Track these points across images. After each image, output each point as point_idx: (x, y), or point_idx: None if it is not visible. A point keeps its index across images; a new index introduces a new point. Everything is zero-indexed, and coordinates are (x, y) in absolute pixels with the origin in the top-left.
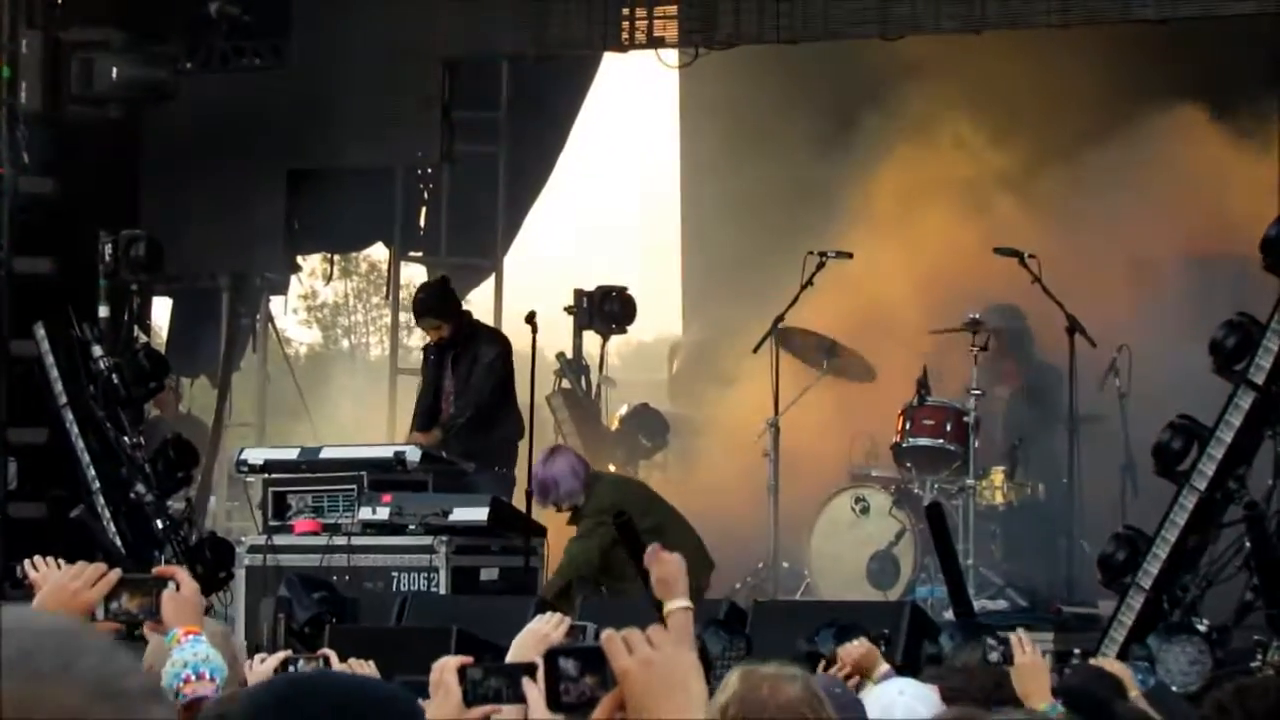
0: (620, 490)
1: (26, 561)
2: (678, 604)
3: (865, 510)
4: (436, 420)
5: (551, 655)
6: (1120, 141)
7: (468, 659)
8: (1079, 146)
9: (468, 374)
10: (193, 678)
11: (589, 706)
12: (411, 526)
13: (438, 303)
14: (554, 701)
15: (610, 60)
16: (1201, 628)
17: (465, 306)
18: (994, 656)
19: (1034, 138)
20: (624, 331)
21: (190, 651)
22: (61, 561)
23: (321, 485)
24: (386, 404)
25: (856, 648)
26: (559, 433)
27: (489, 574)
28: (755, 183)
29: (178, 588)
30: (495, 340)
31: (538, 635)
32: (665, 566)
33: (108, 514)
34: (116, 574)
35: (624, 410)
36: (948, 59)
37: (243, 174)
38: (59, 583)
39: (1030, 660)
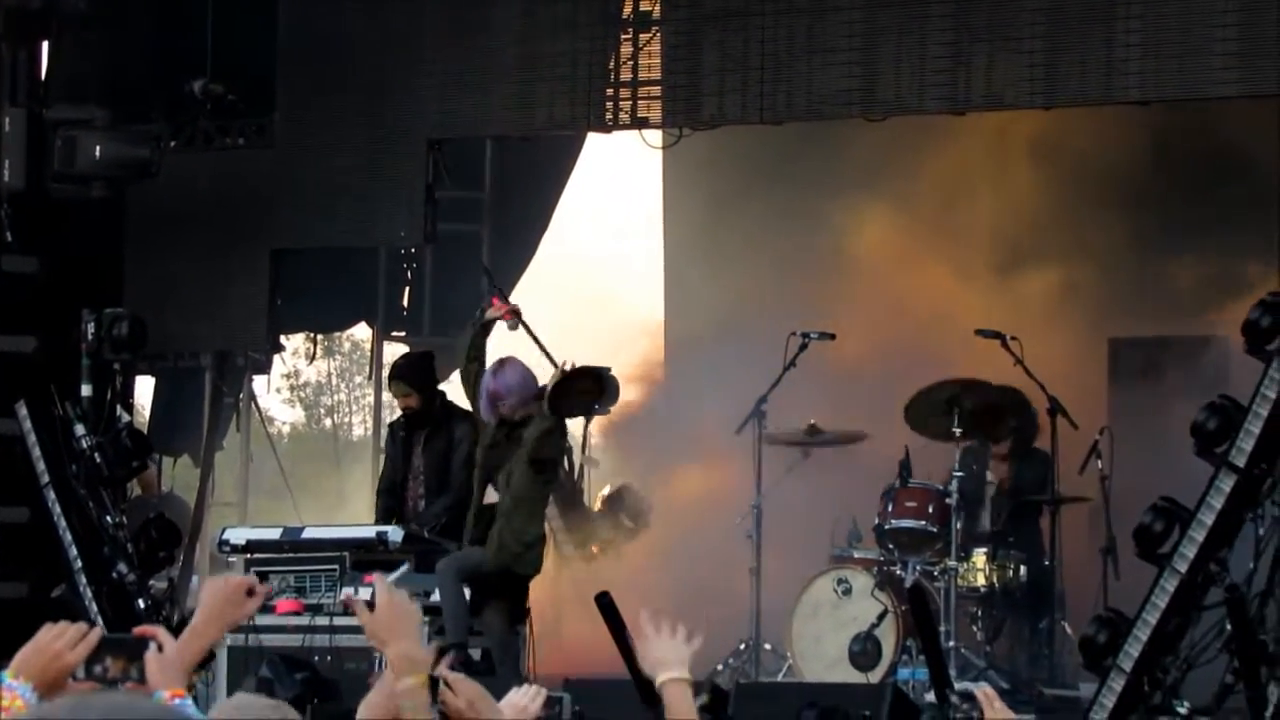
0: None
1: None
2: (669, 675)
3: (847, 592)
4: (400, 497)
5: None
6: (1102, 221)
7: None
8: (1061, 223)
9: (442, 457)
10: None
11: None
12: None
13: (411, 371)
14: None
15: (594, 139)
16: (1182, 710)
17: (448, 385)
18: (959, 716)
19: (1019, 213)
20: (607, 411)
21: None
22: None
23: (304, 565)
24: (369, 484)
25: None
26: None
27: (473, 653)
28: (738, 259)
29: (160, 648)
30: (470, 422)
31: (516, 707)
32: (652, 640)
33: (89, 593)
34: (98, 634)
35: (606, 491)
36: (933, 136)
37: (226, 253)
38: (40, 643)
39: (1000, 717)
